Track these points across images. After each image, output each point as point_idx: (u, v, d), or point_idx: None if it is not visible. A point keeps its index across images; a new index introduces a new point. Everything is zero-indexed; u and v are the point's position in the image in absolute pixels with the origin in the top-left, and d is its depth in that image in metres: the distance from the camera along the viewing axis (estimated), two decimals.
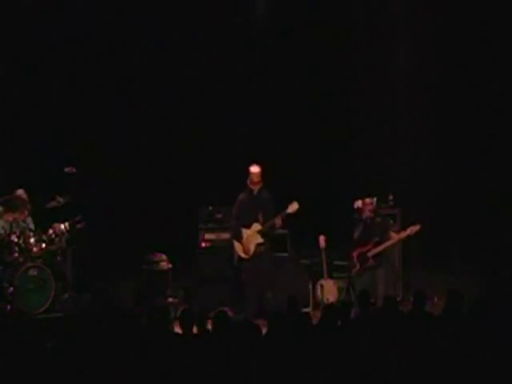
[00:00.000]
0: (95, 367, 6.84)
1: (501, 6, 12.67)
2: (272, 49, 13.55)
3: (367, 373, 6.84)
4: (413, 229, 10.75)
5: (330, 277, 11.57)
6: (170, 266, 11.51)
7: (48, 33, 12.59)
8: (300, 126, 13.46)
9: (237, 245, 11.12)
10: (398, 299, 10.82)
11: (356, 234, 10.94)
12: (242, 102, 13.39)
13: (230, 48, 13.33)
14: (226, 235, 11.76)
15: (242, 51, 13.44)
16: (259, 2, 13.67)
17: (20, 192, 10.99)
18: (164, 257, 11.57)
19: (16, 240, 10.57)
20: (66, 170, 11.29)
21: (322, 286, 11.46)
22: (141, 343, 7.20)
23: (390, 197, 12.15)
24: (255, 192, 11.04)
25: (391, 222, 11.54)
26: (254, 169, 11.03)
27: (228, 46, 13.31)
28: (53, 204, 11.15)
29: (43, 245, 10.75)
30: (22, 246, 10.58)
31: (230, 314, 9.77)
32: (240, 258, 11.14)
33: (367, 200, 11.01)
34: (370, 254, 10.80)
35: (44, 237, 10.78)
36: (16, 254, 10.55)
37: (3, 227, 10.70)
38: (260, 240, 11.01)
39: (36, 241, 10.70)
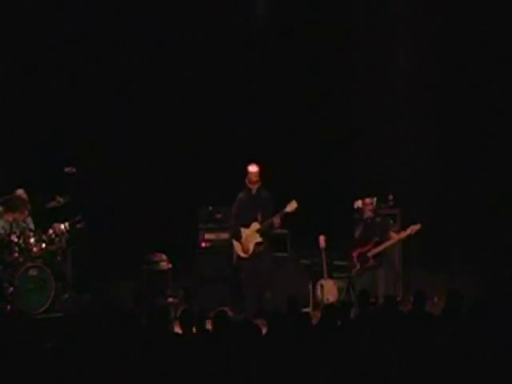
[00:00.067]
0: (95, 367, 6.84)
1: (501, 5, 12.66)
2: (272, 49, 13.55)
3: (367, 373, 6.83)
4: (413, 228, 10.75)
5: (330, 277, 11.57)
6: (170, 266, 11.52)
7: (48, 33, 12.59)
8: (300, 126, 13.46)
9: (236, 244, 11.12)
10: (398, 299, 10.82)
11: (356, 234, 10.94)
12: (242, 101, 13.39)
13: (230, 48, 13.33)
14: (225, 235, 11.77)
15: (242, 51, 13.44)
16: (259, 1, 13.67)
17: (20, 192, 10.99)
18: (164, 257, 11.57)
19: (16, 240, 10.58)
20: (66, 170, 11.29)
21: (321, 286, 11.46)
22: (141, 343, 7.20)
23: (390, 197, 12.15)
24: (254, 191, 11.05)
25: (391, 221, 11.54)
26: (253, 168, 11.03)
27: (228, 45, 13.31)
28: (53, 204, 11.15)
29: (43, 245, 10.76)
30: (22, 245, 10.58)
31: (230, 314, 9.76)
32: (239, 258, 11.14)
33: (367, 200, 11.01)
34: (370, 254, 10.81)
35: (44, 237, 10.78)
36: (16, 254, 10.55)
37: (3, 227, 10.70)
38: (259, 239, 11.02)
39: (36, 241, 10.70)
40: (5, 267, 10.54)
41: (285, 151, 13.24)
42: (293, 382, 6.77)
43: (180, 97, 13.27)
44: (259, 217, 11.02)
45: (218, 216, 12.00)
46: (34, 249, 10.67)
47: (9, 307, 10.34)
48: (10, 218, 10.71)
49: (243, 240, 11.04)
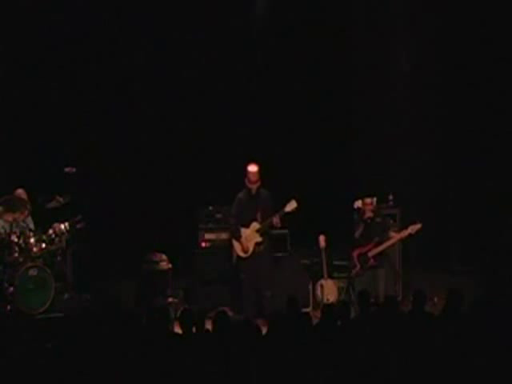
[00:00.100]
0: (95, 367, 6.84)
1: (501, 5, 12.66)
2: (272, 49, 13.55)
3: (367, 373, 6.84)
4: (414, 227, 10.75)
5: (330, 277, 11.57)
6: (170, 266, 11.52)
7: (48, 33, 12.59)
8: (300, 126, 13.46)
9: (236, 244, 11.13)
10: (398, 299, 10.83)
11: (356, 234, 10.93)
12: (242, 101, 13.39)
13: (230, 48, 13.32)
14: (225, 235, 11.78)
15: (242, 51, 13.44)
16: (259, 1, 13.67)
17: (20, 192, 11.00)
18: (164, 257, 11.58)
19: (16, 240, 10.58)
20: (66, 170, 11.30)
21: (321, 286, 11.45)
22: (141, 343, 7.20)
23: (390, 197, 12.15)
24: (253, 191, 11.05)
25: (391, 221, 11.54)
26: (252, 168, 11.03)
27: (228, 46, 13.31)
28: (53, 204, 11.15)
29: (43, 245, 10.76)
30: (22, 245, 10.58)
31: (230, 314, 9.76)
32: (239, 257, 11.15)
33: (367, 200, 11.00)
34: (370, 254, 10.81)
35: (44, 237, 10.79)
36: (16, 254, 10.55)
37: (3, 227, 10.70)
38: (259, 239, 11.02)
39: (36, 241, 10.70)
40: (5, 267, 10.54)
41: (285, 151, 13.24)
42: (293, 382, 6.78)
43: (180, 97, 13.27)
44: (259, 217, 11.03)
45: (218, 216, 12.01)
46: (34, 249, 10.67)
47: (9, 307, 10.34)
48: (10, 218, 10.71)
49: (243, 240, 11.05)
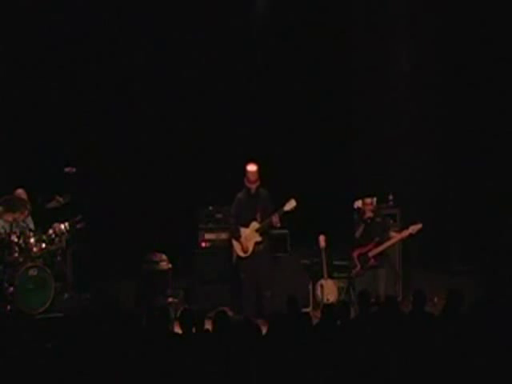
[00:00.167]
0: (95, 367, 6.84)
1: (501, 5, 12.66)
2: (272, 49, 13.55)
3: (367, 373, 6.84)
4: (414, 227, 10.75)
5: (330, 277, 11.57)
6: (170, 266, 11.53)
7: (48, 33, 12.59)
8: (300, 126, 13.45)
9: (235, 244, 11.13)
10: (398, 299, 10.83)
11: (357, 234, 10.93)
12: (242, 101, 13.39)
13: (230, 48, 13.32)
14: (225, 235, 11.79)
15: (242, 51, 13.43)
16: (259, 1, 13.66)
17: (20, 192, 11.00)
18: (164, 257, 11.58)
19: (16, 240, 10.58)
20: (66, 170, 11.31)
21: (321, 286, 11.45)
22: (141, 343, 7.20)
23: (390, 197, 12.16)
24: (253, 191, 11.06)
25: (391, 221, 11.54)
26: (251, 167, 11.04)
27: (228, 45, 13.31)
28: (53, 204, 11.15)
29: (43, 245, 10.77)
30: (22, 245, 10.58)
31: (230, 314, 9.76)
32: (239, 257, 11.15)
33: (367, 200, 11.01)
34: (370, 254, 10.81)
35: (44, 237, 10.79)
36: (16, 254, 10.56)
37: (3, 227, 10.71)
38: (258, 238, 11.03)
39: (36, 241, 10.71)
40: (5, 267, 10.55)
41: (285, 151, 13.24)
42: (293, 382, 6.78)
43: (180, 97, 13.27)
44: (258, 216, 11.03)
45: (218, 216, 12.02)
46: (34, 249, 10.67)
47: (9, 307, 10.34)
48: (10, 218, 10.71)
49: (242, 239, 11.05)
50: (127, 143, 13.05)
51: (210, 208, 12.08)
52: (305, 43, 13.44)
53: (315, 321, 8.12)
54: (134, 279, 11.57)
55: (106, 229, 12.39)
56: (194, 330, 7.45)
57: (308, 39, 13.41)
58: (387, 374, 6.87)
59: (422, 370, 6.92)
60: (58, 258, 11.01)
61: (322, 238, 11.51)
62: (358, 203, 11.27)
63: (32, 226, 10.96)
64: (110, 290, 11.36)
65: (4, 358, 6.90)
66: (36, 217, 11.10)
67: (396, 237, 10.99)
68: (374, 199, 11.12)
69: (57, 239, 10.90)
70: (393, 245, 11.11)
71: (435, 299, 10.48)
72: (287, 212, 10.98)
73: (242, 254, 11.09)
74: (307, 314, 8.88)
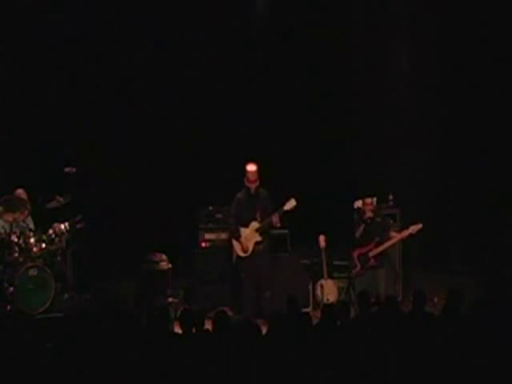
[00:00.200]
0: (95, 367, 6.84)
1: (501, 5, 12.66)
2: (272, 49, 13.55)
3: (367, 373, 6.84)
4: (414, 228, 10.75)
5: (330, 277, 11.57)
6: (170, 266, 11.53)
7: (48, 33, 12.59)
8: (300, 126, 13.46)
9: (235, 244, 11.13)
10: (398, 299, 10.82)
11: (357, 234, 10.92)
12: (242, 101, 13.39)
13: (230, 48, 13.32)
14: (225, 235, 11.79)
15: (242, 51, 13.43)
16: (259, 1, 13.66)
17: (20, 192, 11.00)
18: (164, 257, 11.58)
19: (16, 240, 10.58)
20: (66, 170, 11.31)
21: (321, 286, 11.45)
22: (141, 343, 7.20)
23: (390, 197, 12.16)
24: (252, 191, 11.06)
25: (391, 221, 11.55)
26: (251, 167, 11.04)
27: (228, 45, 13.31)
28: (53, 204, 11.15)
29: (43, 245, 10.77)
30: (22, 245, 10.58)
31: (230, 314, 9.76)
32: (239, 257, 11.15)
33: (367, 200, 11.00)
34: (371, 254, 10.81)
35: (44, 237, 10.79)
36: (16, 254, 10.56)
37: (3, 227, 10.71)
38: (258, 238, 11.03)
39: (36, 241, 10.71)
40: (5, 267, 10.55)
41: (285, 151, 13.24)
42: (293, 382, 6.78)
43: (180, 97, 13.27)
44: (258, 216, 11.03)
45: (218, 216, 12.02)
46: (34, 249, 10.67)
47: (9, 307, 10.34)
48: (10, 218, 10.71)
49: (242, 239, 11.05)
50: (127, 143, 13.05)
51: (210, 208, 12.09)
52: (305, 43, 13.44)
53: (315, 321, 8.12)
54: (134, 279, 11.57)
55: (106, 229, 12.39)
56: (194, 330, 7.45)
57: (308, 39, 13.41)
58: (387, 373, 6.87)
59: (422, 370, 6.92)
60: (58, 258, 11.01)
61: (322, 238, 11.51)
62: (358, 203, 11.28)
63: (32, 226, 10.96)
64: (110, 290, 11.35)
65: (4, 358, 6.89)
66: (36, 217, 11.10)
67: (396, 237, 10.99)
68: (374, 199, 11.11)
69: (57, 239, 10.90)
70: (393, 245, 11.11)
71: (435, 299, 10.48)
72: (287, 211, 10.98)
73: (242, 254, 11.09)
74: (307, 313, 8.88)
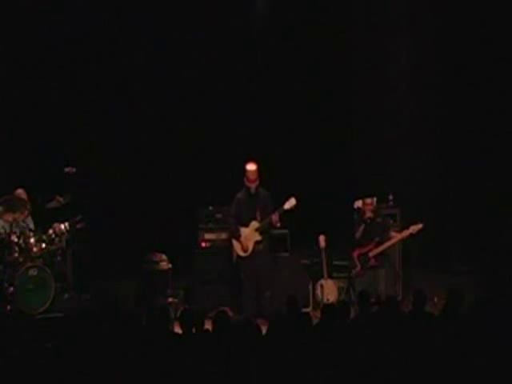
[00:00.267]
0: (95, 367, 6.84)
1: (501, 5, 12.66)
2: (272, 49, 13.55)
3: (367, 373, 6.84)
4: (415, 228, 10.75)
5: (330, 277, 11.57)
6: (170, 266, 11.53)
7: (48, 33, 12.59)
8: (300, 126, 13.46)
9: (235, 243, 11.13)
10: (398, 299, 10.82)
11: (357, 235, 10.92)
12: (242, 101, 13.39)
13: (230, 48, 13.32)
14: (225, 235, 11.78)
15: (242, 51, 13.43)
16: (259, 1, 13.66)
17: (20, 192, 11.00)
18: (164, 257, 11.58)
19: (16, 240, 10.58)
20: (66, 170, 11.30)
21: (321, 286, 11.46)
22: (141, 343, 7.20)
23: (390, 197, 12.16)
24: (252, 190, 11.06)
25: (391, 221, 11.54)
26: (251, 166, 11.04)
27: (228, 45, 13.31)
28: (53, 204, 11.15)
29: (43, 245, 10.77)
30: (22, 245, 10.58)
31: (230, 314, 9.76)
32: (239, 257, 11.15)
33: (367, 200, 11.01)
34: (371, 254, 10.80)
35: (44, 237, 10.79)
36: (16, 254, 10.56)
37: (3, 227, 10.71)
38: (258, 238, 11.03)
39: (36, 241, 10.71)
40: (5, 267, 10.55)
41: (285, 151, 13.24)
42: (293, 382, 6.77)
43: (180, 97, 13.27)
44: (258, 215, 11.03)
45: (218, 216, 12.02)
46: (34, 249, 10.67)
47: (9, 307, 10.34)
48: (10, 218, 10.71)
49: (242, 239, 11.06)
50: (127, 143, 13.05)
51: (210, 208, 12.08)
52: (305, 43, 13.44)
53: (315, 321, 8.12)
54: (134, 279, 11.58)
55: (106, 229, 12.39)
56: (194, 330, 7.45)
57: (308, 39, 13.41)
58: (387, 373, 6.87)
59: (422, 370, 6.92)
60: (58, 258, 11.01)
61: (321, 238, 11.51)
62: (358, 203, 11.28)
63: (32, 226, 10.96)
64: (110, 290, 11.35)
65: (4, 358, 6.89)
66: (36, 217, 11.10)
67: (396, 237, 10.99)
68: (374, 199, 11.12)
69: (57, 239, 10.90)
70: (393, 245, 11.11)
71: (435, 299, 10.47)
72: (287, 211, 10.98)
73: (242, 254, 11.09)
74: (307, 313, 8.88)
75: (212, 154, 13.25)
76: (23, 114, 12.55)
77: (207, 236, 12.03)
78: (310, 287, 11.65)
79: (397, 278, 11.72)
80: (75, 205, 11.20)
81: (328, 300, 11.25)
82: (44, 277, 10.52)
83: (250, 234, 11.05)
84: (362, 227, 10.92)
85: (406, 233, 10.90)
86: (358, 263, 10.84)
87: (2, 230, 10.67)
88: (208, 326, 7.55)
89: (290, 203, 10.94)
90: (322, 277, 11.49)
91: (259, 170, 11.04)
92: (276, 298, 10.73)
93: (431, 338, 7.32)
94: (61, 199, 11.13)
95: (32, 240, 10.67)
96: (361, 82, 13.50)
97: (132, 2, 13.06)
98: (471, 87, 12.84)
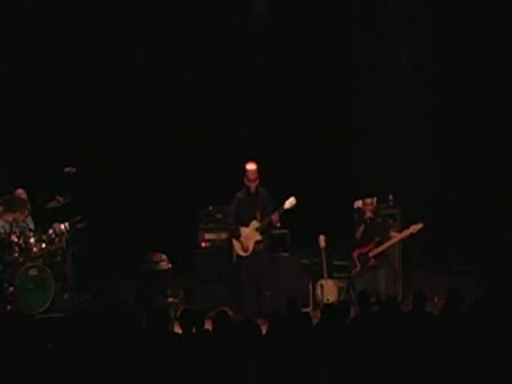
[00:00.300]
0: (95, 367, 6.84)
1: (501, 5, 12.66)
2: (272, 49, 13.55)
3: (367, 373, 6.84)
4: (415, 227, 10.75)
5: (330, 277, 11.57)
6: (170, 266, 11.53)
7: (48, 33, 12.59)
8: (300, 126, 13.45)
9: (236, 243, 11.13)
10: (398, 299, 10.82)
11: (357, 235, 10.92)
12: (242, 101, 13.38)
13: (230, 48, 13.32)
14: (225, 235, 11.78)
15: (242, 51, 13.43)
16: (259, 1, 13.66)
17: (20, 192, 11.00)
18: (164, 257, 11.58)
19: (16, 240, 10.58)
20: (66, 170, 11.30)
21: (321, 286, 11.46)
22: (141, 343, 7.20)
23: (390, 197, 12.15)
24: (252, 190, 11.06)
25: (391, 221, 11.54)
26: (251, 166, 11.03)
27: (228, 46, 13.31)
28: (53, 204, 11.15)
29: (43, 245, 10.77)
30: (22, 245, 10.58)
31: (230, 314, 9.76)
32: (239, 257, 11.15)
33: (367, 200, 11.00)
34: (371, 254, 10.80)
35: (44, 237, 10.79)
36: (16, 254, 10.56)
37: (3, 227, 10.71)
38: (258, 237, 11.03)
39: (36, 241, 10.71)
40: (5, 267, 10.55)
41: (285, 151, 13.24)
42: (293, 382, 6.77)
43: (180, 97, 13.27)
44: (258, 215, 11.03)
45: (218, 216, 12.02)
46: (34, 249, 10.67)
47: (9, 307, 10.34)
48: (10, 218, 10.71)
49: (243, 239, 11.06)
50: (127, 143, 13.05)
51: (210, 208, 12.08)
52: (305, 43, 13.44)
53: (315, 321, 8.12)
54: (134, 279, 11.58)
55: (106, 229, 12.39)
56: (194, 329, 7.45)
57: (308, 39, 13.41)
58: (387, 373, 6.87)
59: (422, 370, 6.92)
60: (58, 258, 11.01)
61: (321, 238, 11.51)
62: (358, 203, 11.28)
63: (32, 226, 10.96)
64: (110, 290, 11.35)
65: (4, 358, 6.89)
66: (36, 217, 11.10)
67: (396, 237, 10.99)
68: (374, 199, 11.11)
69: (57, 239, 10.90)
70: (393, 245, 11.11)
71: (435, 299, 10.47)
72: (287, 210, 10.97)
73: (242, 254, 11.09)
74: (307, 313, 8.88)
75: (212, 153, 13.24)
76: (23, 114, 12.55)
77: (207, 236, 12.02)
78: (310, 287, 11.65)
79: (397, 278, 11.72)
80: (75, 205, 11.20)
81: (328, 300, 11.25)
82: (44, 277, 10.52)
83: (250, 234, 11.05)
84: (362, 227, 10.92)
85: (406, 233, 10.90)
86: (357, 263, 10.84)
87: (2, 230, 10.67)
88: (208, 326, 7.55)
89: (291, 202, 10.94)
90: (322, 277, 11.49)
91: (259, 169, 11.04)
92: (276, 297, 10.73)
93: (431, 338, 7.32)
94: (61, 199, 11.13)
95: (32, 240, 10.67)
96: (361, 82, 13.50)
97: (132, 2, 13.06)
98: (471, 87, 12.85)
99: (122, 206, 12.82)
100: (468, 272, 11.97)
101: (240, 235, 11.06)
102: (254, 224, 11.03)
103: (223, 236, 11.87)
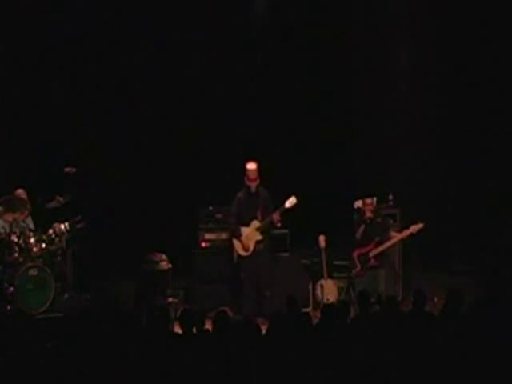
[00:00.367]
0: (95, 367, 6.84)
1: (501, 5, 12.67)
2: (272, 49, 13.55)
3: (367, 373, 6.83)
4: (415, 227, 10.74)
5: (330, 277, 11.57)
6: (170, 266, 11.52)
7: (48, 33, 12.59)
8: (300, 126, 13.46)
9: (236, 243, 11.13)
10: (398, 299, 10.82)
11: (357, 235, 10.91)
12: (242, 101, 13.39)
13: (230, 48, 13.32)
14: (225, 235, 11.78)
15: (242, 51, 13.44)
16: (259, 1, 13.66)
17: (20, 192, 11.00)
18: (164, 257, 11.57)
19: (16, 240, 10.58)
20: (66, 170, 11.31)
21: (321, 286, 11.45)
22: (141, 343, 7.20)
23: (390, 197, 12.15)
24: (253, 189, 11.06)
25: (391, 221, 11.54)
26: (251, 165, 11.03)
27: (228, 46, 13.31)
28: (53, 204, 11.15)
29: (43, 245, 10.77)
30: (22, 245, 10.59)
31: (230, 314, 9.76)
32: (239, 256, 11.15)
33: (367, 200, 11.00)
34: (371, 254, 10.80)
35: (44, 237, 10.79)
36: (16, 254, 10.56)
37: (3, 227, 10.71)
38: (259, 237, 11.03)
39: (36, 241, 10.71)
40: (5, 267, 10.55)
41: (285, 151, 13.24)
42: (293, 382, 6.77)
43: (180, 97, 13.27)
44: (259, 215, 11.03)
45: (218, 216, 12.02)
46: (34, 249, 10.67)
47: (9, 307, 10.34)
48: (10, 218, 10.71)
49: (243, 238, 11.05)
50: (127, 143, 13.05)
51: (210, 208, 12.08)
52: (305, 43, 13.44)
53: (315, 321, 8.12)
54: (134, 279, 11.57)
55: (106, 229, 12.39)
56: (194, 329, 7.45)
57: (308, 39, 13.41)
58: (387, 373, 6.87)
59: (422, 370, 6.92)
60: (58, 258, 11.02)
61: (322, 238, 11.51)
62: (358, 203, 11.28)
63: (32, 226, 10.96)
64: (110, 290, 11.35)
65: (4, 358, 6.90)
66: (36, 217, 11.10)
67: (396, 237, 10.99)
68: (374, 199, 11.11)
69: (57, 239, 10.90)
70: (393, 245, 11.11)
71: (435, 299, 10.47)
72: (288, 209, 10.97)
73: (243, 253, 11.09)
74: (307, 313, 8.88)
75: (212, 153, 13.25)
76: (23, 114, 12.55)
77: (207, 236, 12.03)
78: (310, 287, 11.65)
79: (397, 278, 11.72)
80: (75, 205, 11.20)
81: (328, 300, 11.25)
82: (44, 277, 10.52)
83: (250, 234, 11.04)
84: (362, 227, 10.91)
85: (406, 233, 10.90)
86: (358, 263, 10.83)
87: (2, 230, 10.68)
88: (208, 326, 7.55)
89: (291, 202, 10.94)
90: (322, 277, 11.48)
91: (259, 169, 11.04)
92: (276, 297, 10.73)
93: (431, 338, 7.31)
94: (61, 199, 11.13)
95: (32, 240, 10.67)
96: (361, 82, 13.50)
97: (132, 2, 13.06)
98: (471, 87, 12.85)
99: (122, 206, 12.82)
100: (468, 272, 11.97)
101: (241, 235, 11.05)
102: (255, 224, 11.04)
103: (223, 236, 11.87)
